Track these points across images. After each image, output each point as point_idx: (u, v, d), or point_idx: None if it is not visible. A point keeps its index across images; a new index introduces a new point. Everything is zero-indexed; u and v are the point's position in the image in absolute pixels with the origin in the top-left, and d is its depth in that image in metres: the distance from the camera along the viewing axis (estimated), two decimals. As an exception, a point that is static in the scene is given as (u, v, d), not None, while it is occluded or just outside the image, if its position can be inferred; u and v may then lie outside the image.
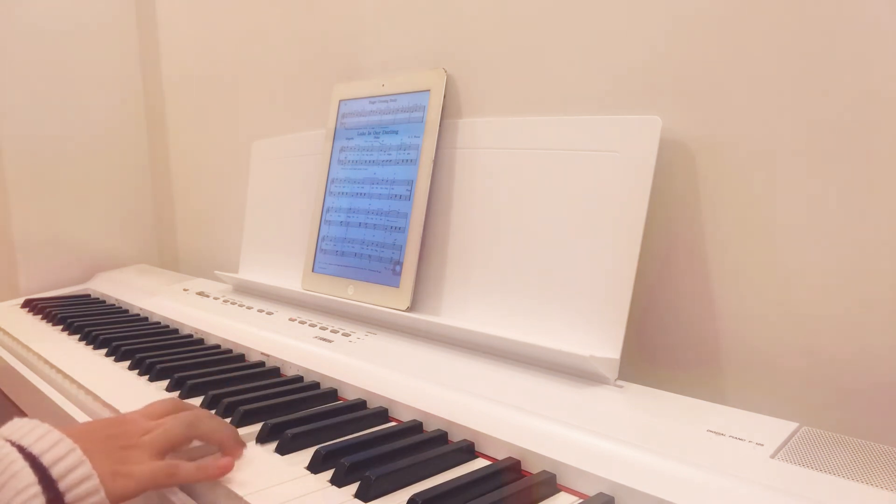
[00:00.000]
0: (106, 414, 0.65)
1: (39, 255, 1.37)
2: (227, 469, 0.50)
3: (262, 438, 0.57)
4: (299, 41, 1.11)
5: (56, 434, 0.43)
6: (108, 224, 1.47)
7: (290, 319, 0.89)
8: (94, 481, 0.42)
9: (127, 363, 0.79)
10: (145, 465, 0.47)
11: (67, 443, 0.43)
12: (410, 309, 0.80)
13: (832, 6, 0.55)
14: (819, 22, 0.56)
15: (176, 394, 0.69)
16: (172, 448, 0.51)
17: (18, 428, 0.44)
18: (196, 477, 0.49)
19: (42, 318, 1.08)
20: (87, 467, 0.42)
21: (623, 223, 0.63)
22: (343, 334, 0.80)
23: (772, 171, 0.60)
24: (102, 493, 0.43)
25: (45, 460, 0.41)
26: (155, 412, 0.54)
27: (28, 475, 0.40)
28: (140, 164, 1.53)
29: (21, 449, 0.42)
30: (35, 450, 0.42)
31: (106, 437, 0.48)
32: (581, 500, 0.47)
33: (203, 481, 0.50)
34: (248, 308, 0.97)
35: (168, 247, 1.55)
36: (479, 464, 0.53)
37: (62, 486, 0.41)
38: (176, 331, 0.95)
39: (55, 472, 0.41)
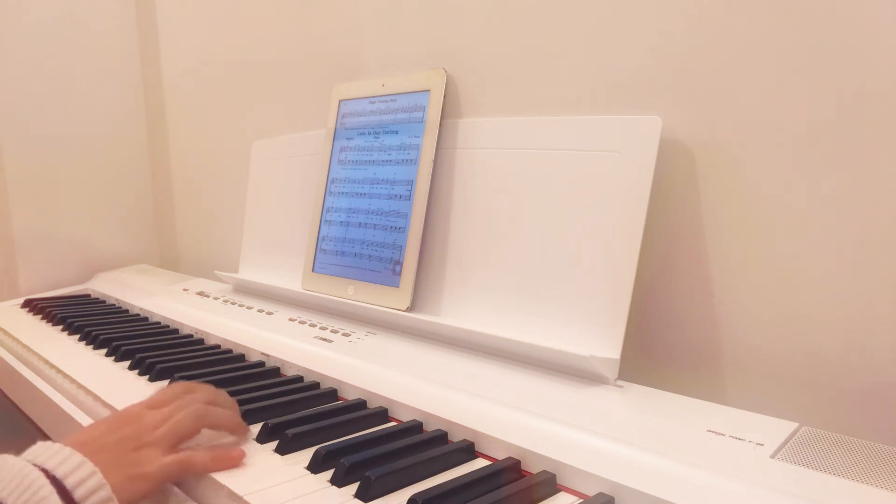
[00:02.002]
0: (106, 413, 0.65)
1: (39, 255, 1.37)
2: (241, 458, 0.52)
3: (262, 438, 0.57)
4: (299, 41, 1.11)
5: (78, 457, 0.45)
6: (108, 224, 1.47)
7: (290, 319, 0.89)
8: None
9: (127, 363, 0.79)
10: (159, 463, 0.49)
11: (89, 466, 0.45)
12: (410, 309, 0.80)
13: (832, 6, 0.55)
14: (819, 21, 0.56)
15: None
16: (183, 440, 0.53)
17: (42, 451, 0.46)
18: (210, 467, 0.51)
19: (42, 318, 1.08)
20: (106, 490, 0.45)
21: (623, 223, 0.63)
22: (343, 334, 0.80)
23: (772, 170, 0.60)
24: None
25: (69, 484, 0.44)
26: (160, 401, 0.56)
27: (55, 501, 0.42)
28: (140, 164, 1.53)
29: (46, 472, 0.44)
30: (59, 473, 0.44)
31: (118, 440, 0.50)
32: (581, 500, 0.47)
33: (217, 471, 0.50)
34: (248, 308, 0.97)
35: (168, 247, 1.55)
36: (479, 464, 0.53)
37: None
38: (176, 331, 0.95)
39: (77, 495, 0.44)
